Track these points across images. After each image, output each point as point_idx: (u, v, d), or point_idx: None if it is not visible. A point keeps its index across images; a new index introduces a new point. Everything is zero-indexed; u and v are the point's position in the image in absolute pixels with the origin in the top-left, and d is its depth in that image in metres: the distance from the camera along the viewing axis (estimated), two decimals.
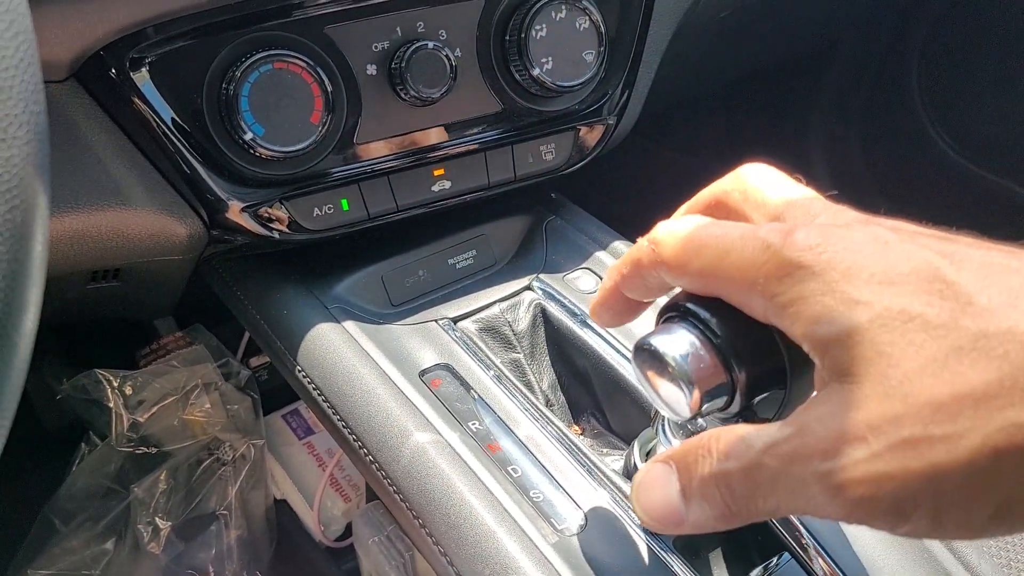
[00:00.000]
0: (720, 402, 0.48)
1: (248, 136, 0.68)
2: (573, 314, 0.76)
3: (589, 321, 0.75)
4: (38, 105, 0.35)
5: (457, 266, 0.84)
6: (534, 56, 0.76)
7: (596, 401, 0.75)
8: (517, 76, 0.78)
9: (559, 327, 0.76)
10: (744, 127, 1.88)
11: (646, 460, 0.63)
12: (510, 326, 0.77)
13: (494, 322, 0.77)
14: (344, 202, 0.76)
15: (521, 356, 0.76)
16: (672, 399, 0.48)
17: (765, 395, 0.48)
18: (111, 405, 0.90)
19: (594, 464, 0.64)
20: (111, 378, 0.91)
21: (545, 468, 0.64)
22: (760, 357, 0.46)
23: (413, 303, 0.80)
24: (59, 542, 0.98)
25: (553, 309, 0.77)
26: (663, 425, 0.59)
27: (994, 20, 1.51)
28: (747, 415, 0.49)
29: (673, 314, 0.49)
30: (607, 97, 0.84)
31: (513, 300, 0.79)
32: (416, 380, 0.70)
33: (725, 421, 0.51)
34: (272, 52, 0.68)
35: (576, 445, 0.66)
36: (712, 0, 0.94)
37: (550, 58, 0.77)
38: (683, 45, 0.95)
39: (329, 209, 0.76)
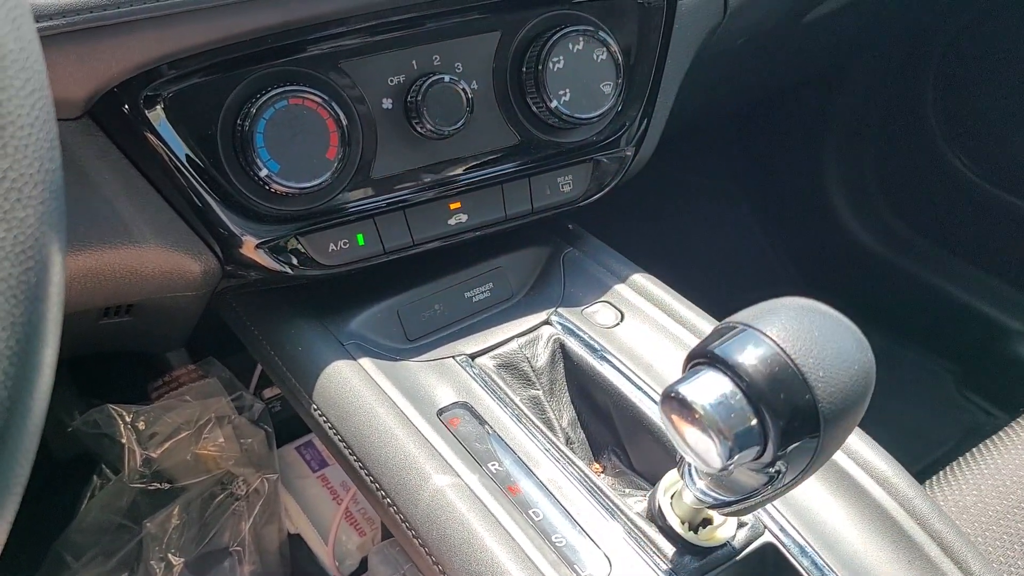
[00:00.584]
0: (752, 452, 0.47)
1: (264, 173, 0.67)
2: (593, 349, 0.75)
3: (609, 356, 0.74)
4: (53, 163, 0.34)
5: (474, 299, 0.82)
6: (551, 88, 0.75)
7: (617, 438, 0.74)
8: (534, 108, 0.77)
9: (579, 363, 0.75)
10: (759, 148, 1.87)
11: (671, 504, 0.61)
12: (529, 362, 0.76)
13: (512, 358, 0.76)
14: (360, 237, 0.75)
15: (540, 393, 0.75)
16: (702, 449, 0.47)
17: (797, 443, 0.46)
18: (123, 440, 0.89)
19: (617, 507, 0.63)
20: (124, 413, 0.90)
21: (567, 511, 0.62)
22: (792, 403, 0.45)
23: (429, 337, 0.79)
24: None
25: (572, 344, 0.76)
26: (689, 468, 0.58)
27: (1009, 39, 1.50)
28: (779, 465, 0.48)
29: (701, 360, 0.48)
30: (625, 128, 0.83)
31: (531, 335, 0.77)
32: (434, 419, 0.68)
33: (757, 471, 0.50)
34: (287, 88, 0.67)
35: (598, 487, 0.64)
36: (730, 28, 0.93)
37: (568, 90, 0.76)
38: (700, 72, 0.94)
39: (344, 244, 0.75)
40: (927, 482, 0.92)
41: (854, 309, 1.68)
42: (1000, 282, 1.66)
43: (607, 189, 0.84)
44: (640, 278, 0.81)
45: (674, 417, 0.47)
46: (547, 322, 0.79)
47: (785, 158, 1.83)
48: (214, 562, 0.94)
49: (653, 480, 0.66)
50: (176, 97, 0.66)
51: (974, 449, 0.96)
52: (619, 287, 0.81)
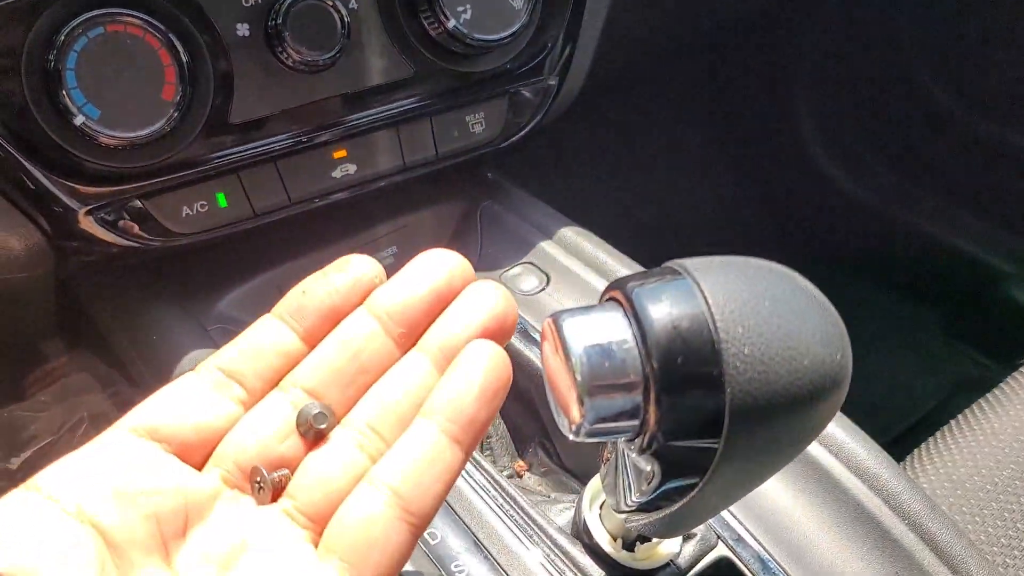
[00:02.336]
0: (624, 426, 0.34)
1: (79, 120, 0.53)
2: None
3: (530, 329, 0.61)
4: None
5: None
6: (448, 4, 0.61)
7: (543, 429, 0.61)
8: (430, 30, 0.63)
9: None
10: (725, 87, 1.73)
11: (600, 517, 0.49)
12: None
13: None
14: (221, 197, 0.62)
15: None
16: (562, 402, 0.34)
17: (690, 443, 0.33)
18: None
19: (534, 521, 0.50)
20: None
21: (471, 530, 0.50)
22: (691, 376, 0.32)
23: None
24: None
25: None
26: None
27: None
28: (666, 456, 0.35)
29: (613, 296, 0.35)
30: (546, 52, 0.69)
31: None
32: None
33: (641, 454, 0.36)
34: (103, 11, 0.53)
35: (511, 496, 0.52)
36: None
37: (468, 6, 0.62)
38: None
39: (202, 207, 0.61)
40: (915, 451, 0.80)
41: (831, 257, 1.56)
42: (989, 223, 1.54)
43: (528, 128, 0.71)
44: (569, 232, 0.68)
45: (547, 355, 0.35)
46: None
47: (753, 97, 1.69)
48: None
49: (585, 480, 0.54)
50: None
51: (967, 411, 0.84)
52: (544, 244, 0.68)
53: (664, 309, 0.32)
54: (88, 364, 0.84)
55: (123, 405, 0.83)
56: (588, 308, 0.34)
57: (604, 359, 0.33)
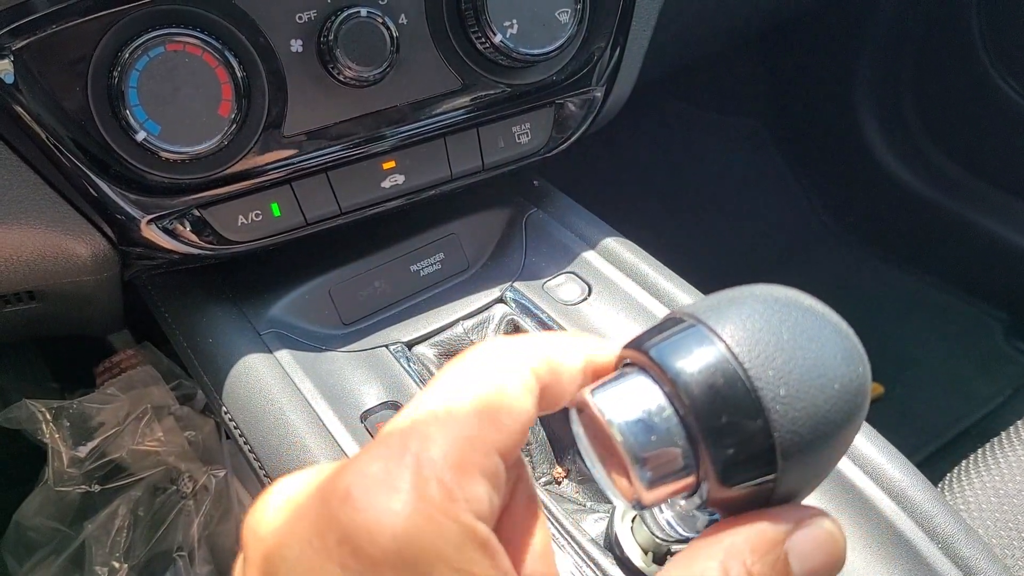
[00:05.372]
0: (680, 488, 0.34)
1: (140, 135, 0.56)
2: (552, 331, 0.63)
3: None
4: None
5: (421, 273, 0.71)
6: (495, 19, 0.62)
7: None
8: (477, 44, 0.64)
9: None
10: (783, 78, 1.71)
11: (632, 530, 0.50)
12: None
13: (457, 344, 0.64)
14: (275, 207, 0.64)
15: None
16: (617, 483, 0.35)
17: (745, 483, 0.34)
18: (46, 440, 0.80)
19: (566, 531, 0.52)
20: (44, 410, 0.80)
21: None
22: (737, 430, 0.33)
23: (367, 320, 0.68)
24: None
25: (528, 326, 0.64)
26: None
27: None
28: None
29: (631, 361, 0.36)
30: (593, 63, 0.69)
31: (481, 316, 0.66)
32: (356, 424, 0.58)
33: (700, 508, 0.37)
34: (163, 31, 0.55)
35: (545, 505, 0.53)
36: None
37: (515, 20, 0.63)
38: None
39: (257, 216, 0.64)
40: (963, 462, 0.79)
41: (889, 252, 1.53)
42: None
43: (574, 138, 0.71)
44: (614, 243, 0.69)
45: (587, 434, 0.35)
46: (500, 299, 0.67)
47: (813, 88, 1.66)
48: (163, 566, 0.86)
49: None
50: (30, 48, 0.55)
51: (1021, 421, 0.83)
52: (588, 255, 0.69)
53: (692, 369, 0.33)
54: (152, 358, 0.87)
55: (184, 398, 0.86)
56: (610, 381, 0.35)
57: (648, 434, 0.33)
